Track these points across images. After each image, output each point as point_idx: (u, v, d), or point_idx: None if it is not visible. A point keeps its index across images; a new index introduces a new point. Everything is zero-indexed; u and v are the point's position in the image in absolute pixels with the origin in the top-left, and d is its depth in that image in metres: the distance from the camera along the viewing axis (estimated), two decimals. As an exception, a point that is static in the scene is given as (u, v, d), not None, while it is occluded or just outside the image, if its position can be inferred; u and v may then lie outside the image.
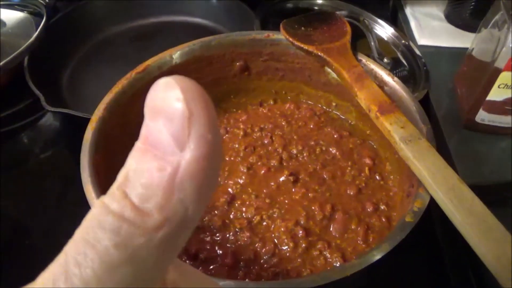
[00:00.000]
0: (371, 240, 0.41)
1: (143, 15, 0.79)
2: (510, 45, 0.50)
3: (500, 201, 0.51)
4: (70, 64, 0.72)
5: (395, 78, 0.46)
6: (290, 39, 0.49)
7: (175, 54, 0.49)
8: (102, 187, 0.38)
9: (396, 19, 0.82)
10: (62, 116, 0.66)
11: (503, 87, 0.53)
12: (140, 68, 0.47)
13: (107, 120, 0.42)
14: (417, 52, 0.69)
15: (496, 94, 0.54)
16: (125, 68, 0.47)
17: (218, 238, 0.42)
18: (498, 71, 0.52)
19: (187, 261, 0.40)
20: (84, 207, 0.56)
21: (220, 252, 0.41)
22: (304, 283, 0.29)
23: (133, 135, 0.48)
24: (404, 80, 0.66)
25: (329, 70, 0.50)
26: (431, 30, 0.75)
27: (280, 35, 0.51)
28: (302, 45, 0.48)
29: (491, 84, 0.54)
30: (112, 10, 0.77)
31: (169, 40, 0.75)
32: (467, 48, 0.63)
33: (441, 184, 0.33)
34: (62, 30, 0.71)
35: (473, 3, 0.73)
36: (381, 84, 0.45)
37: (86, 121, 0.42)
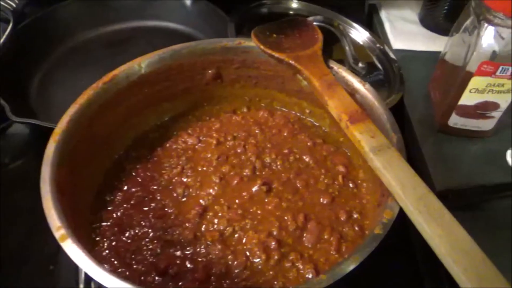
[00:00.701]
0: (344, 249, 0.41)
1: (116, 20, 0.77)
2: (481, 50, 0.50)
3: (473, 205, 0.52)
4: (39, 71, 0.70)
5: (367, 86, 0.45)
6: (261, 46, 0.49)
7: (144, 63, 0.48)
8: (67, 205, 0.36)
9: (372, 23, 0.82)
10: (30, 126, 0.64)
11: (475, 92, 0.54)
12: (107, 78, 0.45)
13: (71, 134, 0.41)
14: (392, 56, 0.69)
15: (468, 98, 0.55)
16: (97, 75, 0.46)
17: (188, 252, 0.41)
18: (469, 76, 0.53)
19: (156, 278, 0.39)
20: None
21: (191, 266, 0.40)
22: (270, 301, 0.29)
23: (100, 148, 0.47)
24: (379, 84, 0.66)
25: (301, 77, 0.50)
26: (405, 33, 0.76)
27: (252, 43, 0.50)
28: (273, 53, 0.48)
29: (463, 88, 0.54)
30: (83, 15, 0.75)
31: (143, 45, 0.74)
32: (440, 52, 0.64)
33: (410, 194, 0.33)
34: (30, 36, 0.69)
35: (446, 7, 0.74)
36: (353, 91, 0.45)
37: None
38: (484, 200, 0.52)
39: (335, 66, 0.47)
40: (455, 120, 0.58)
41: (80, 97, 0.43)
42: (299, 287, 0.29)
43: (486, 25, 0.50)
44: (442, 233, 0.31)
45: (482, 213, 0.51)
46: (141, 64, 0.48)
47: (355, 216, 0.44)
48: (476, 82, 0.53)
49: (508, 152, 0.55)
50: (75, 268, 0.49)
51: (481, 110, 0.56)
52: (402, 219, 0.55)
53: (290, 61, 0.47)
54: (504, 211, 0.50)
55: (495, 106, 0.55)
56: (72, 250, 0.32)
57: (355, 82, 0.46)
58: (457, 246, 0.30)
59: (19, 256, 0.51)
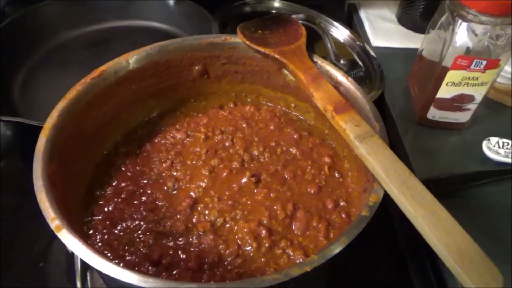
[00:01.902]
0: (332, 236, 0.42)
1: (98, 20, 0.77)
2: (456, 45, 0.53)
3: (453, 193, 0.54)
4: (22, 71, 0.69)
5: (350, 79, 0.47)
6: (247, 42, 0.50)
7: (132, 59, 0.49)
8: (60, 199, 0.37)
9: (351, 22, 0.85)
10: (14, 126, 0.63)
11: (451, 85, 0.56)
12: (95, 73, 0.46)
13: (61, 128, 0.41)
14: (372, 53, 0.72)
15: (445, 91, 0.57)
16: (80, 75, 0.46)
17: (181, 243, 0.41)
18: (445, 70, 0.55)
19: (150, 268, 0.39)
20: (40, 221, 0.55)
21: (184, 256, 0.40)
22: (265, 281, 0.30)
23: (90, 144, 0.47)
24: (360, 80, 0.68)
25: (286, 72, 0.51)
26: (384, 32, 0.78)
27: (238, 39, 0.51)
28: (259, 48, 0.49)
29: (440, 82, 0.56)
30: (66, 14, 0.75)
31: (126, 45, 0.74)
32: (418, 49, 0.66)
33: (393, 178, 0.35)
34: (12, 36, 0.68)
35: (422, 6, 0.77)
36: (336, 84, 0.47)
37: (39, 129, 0.41)
38: (463, 188, 0.54)
39: (319, 61, 0.49)
40: (433, 113, 0.60)
41: (69, 92, 0.43)
42: (292, 268, 0.30)
43: (460, 21, 0.52)
44: (425, 213, 0.33)
45: (461, 200, 0.53)
46: (129, 60, 0.48)
47: (341, 204, 0.46)
48: (452, 75, 0.55)
49: (484, 143, 0.58)
50: (66, 264, 0.50)
51: (458, 102, 0.58)
52: (386, 209, 0.57)
53: (276, 56, 0.48)
54: (481, 198, 0.53)
55: (470, 98, 0.57)
56: (69, 239, 0.32)
57: (339, 76, 0.48)
58: (439, 225, 0.32)
59: (7, 255, 0.51)
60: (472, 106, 0.58)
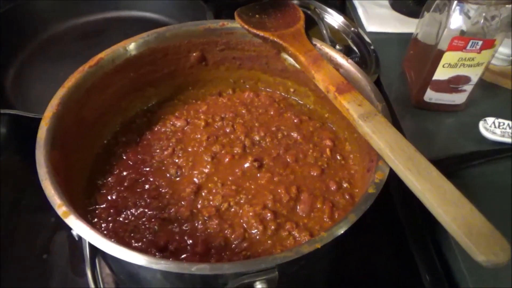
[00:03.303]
0: (336, 216, 0.43)
1: (91, 11, 0.76)
2: (451, 27, 0.53)
3: (451, 173, 0.54)
4: (14, 64, 0.68)
5: (349, 60, 0.47)
6: (246, 26, 0.49)
7: (130, 46, 0.48)
8: (63, 188, 0.36)
9: (345, 8, 0.85)
10: (9, 119, 0.62)
11: (447, 67, 0.57)
12: (92, 61, 0.45)
13: (61, 117, 0.41)
14: (367, 39, 0.72)
15: (441, 73, 0.58)
16: (74, 67, 0.45)
17: (187, 228, 0.41)
18: (441, 52, 0.55)
19: (156, 254, 0.39)
20: (39, 214, 0.54)
21: (190, 241, 0.40)
22: (277, 259, 0.30)
23: (90, 132, 0.47)
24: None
25: (285, 56, 0.51)
26: (378, 17, 0.79)
27: (235, 24, 0.51)
28: (258, 32, 0.49)
29: (436, 64, 0.57)
30: (58, 6, 0.74)
31: (119, 36, 0.73)
32: (412, 33, 0.66)
33: (399, 155, 0.35)
34: (3, 29, 0.67)
35: (415, -9, 0.77)
36: (336, 66, 0.47)
37: (36, 122, 0.40)
38: (461, 169, 0.55)
39: (318, 43, 0.49)
40: (430, 95, 0.61)
41: (67, 81, 0.43)
42: (303, 245, 0.30)
43: (455, 2, 0.53)
44: (431, 187, 0.33)
45: (458, 180, 0.53)
46: (127, 47, 0.48)
47: (344, 185, 0.46)
48: (448, 57, 0.56)
49: (480, 123, 0.58)
50: (69, 255, 0.49)
51: (454, 84, 0.59)
52: (388, 198, 0.58)
53: (276, 39, 0.48)
54: (479, 177, 0.54)
55: (466, 79, 0.58)
56: (77, 224, 0.32)
57: (338, 58, 0.48)
58: (446, 198, 0.32)
59: (9, 248, 0.51)
60: (468, 88, 0.59)
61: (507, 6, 0.52)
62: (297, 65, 0.49)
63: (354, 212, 0.33)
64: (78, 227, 0.31)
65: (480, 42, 0.53)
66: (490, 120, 0.59)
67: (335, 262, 0.48)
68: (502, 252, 0.29)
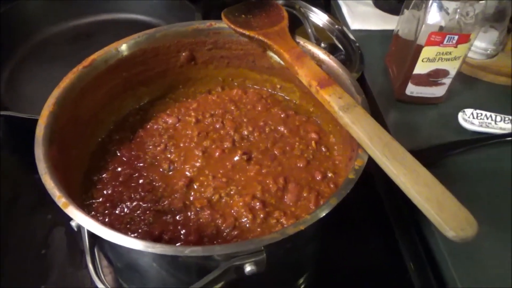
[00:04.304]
0: (321, 204, 0.45)
1: (83, 14, 0.78)
2: (429, 22, 0.56)
3: (433, 163, 0.57)
4: (7, 66, 0.70)
5: (331, 56, 0.50)
6: (232, 26, 0.52)
7: (121, 47, 0.50)
8: (61, 182, 0.38)
9: (329, 7, 0.87)
10: (4, 121, 0.64)
11: (426, 61, 0.59)
12: (86, 62, 0.47)
13: (57, 115, 0.42)
14: (351, 36, 0.74)
15: (421, 67, 0.60)
16: (65, 69, 0.47)
17: (180, 219, 0.43)
18: (420, 47, 0.58)
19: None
20: (36, 211, 0.56)
21: (184, 231, 0.42)
22: (264, 241, 0.32)
23: (85, 130, 0.49)
24: (341, 63, 0.71)
25: (271, 54, 0.53)
26: (361, 15, 0.81)
27: (222, 24, 0.53)
28: (244, 31, 0.51)
29: (416, 59, 0.60)
30: (49, 9, 0.75)
31: (111, 38, 0.75)
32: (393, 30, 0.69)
33: (376, 143, 0.38)
34: (-4, 32, 0.69)
35: (396, -11, 0.80)
36: (319, 62, 0.49)
37: (30, 122, 0.42)
38: (442, 158, 0.57)
39: (301, 41, 0.51)
40: (411, 89, 0.64)
41: (62, 81, 0.45)
42: (288, 228, 0.33)
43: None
44: (406, 171, 0.36)
45: (441, 169, 0.55)
46: (118, 48, 0.50)
47: (329, 175, 0.48)
48: (427, 51, 0.58)
49: (460, 114, 0.61)
50: (67, 249, 0.51)
51: (433, 77, 0.62)
52: (370, 182, 0.60)
53: (261, 38, 0.50)
54: (459, 165, 0.56)
55: (445, 73, 0.61)
56: (76, 214, 0.34)
57: (321, 54, 0.50)
58: (419, 181, 0.35)
59: (8, 245, 0.52)
60: (447, 81, 0.62)
61: (480, 2, 0.55)
62: (282, 62, 0.51)
63: (336, 196, 0.35)
64: (78, 216, 0.33)
65: (456, 37, 0.56)
66: (468, 111, 0.61)
67: (323, 249, 0.50)
68: (469, 227, 0.32)
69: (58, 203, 0.34)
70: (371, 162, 0.39)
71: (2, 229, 0.54)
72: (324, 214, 0.34)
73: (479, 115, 0.61)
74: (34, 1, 0.74)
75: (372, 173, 0.60)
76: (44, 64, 0.72)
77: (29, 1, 0.73)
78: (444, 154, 0.58)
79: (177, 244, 0.41)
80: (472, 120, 0.61)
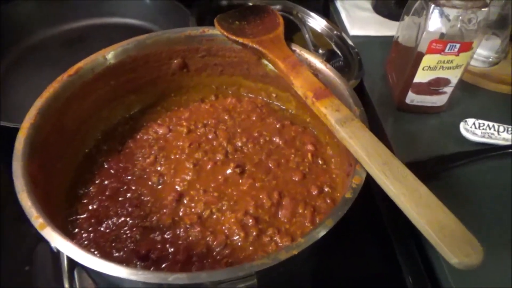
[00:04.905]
0: (318, 221, 0.43)
1: (73, 18, 0.76)
2: (430, 29, 0.54)
3: (433, 174, 0.55)
4: (-4, 71, 0.68)
5: (328, 66, 0.48)
6: (225, 33, 0.50)
7: (109, 55, 0.48)
8: (42, 198, 0.36)
9: (328, 12, 0.85)
10: (-9, 129, 0.62)
11: (427, 69, 0.57)
12: (71, 70, 0.45)
13: (40, 127, 0.40)
14: (350, 42, 0.73)
15: (421, 76, 0.59)
16: (56, 74, 0.45)
17: (168, 236, 0.41)
18: (421, 55, 0.56)
19: (138, 263, 0.39)
20: (22, 225, 0.54)
21: (172, 249, 0.40)
22: (255, 267, 0.30)
23: (71, 141, 0.46)
24: (339, 69, 0.68)
25: (266, 62, 0.51)
26: (360, 20, 0.79)
27: (216, 30, 0.51)
28: (237, 39, 0.49)
29: (416, 67, 0.58)
30: (40, 13, 0.73)
31: (102, 43, 0.73)
32: (393, 36, 0.67)
33: (375, 159, 0.36)
34: (-17, 37, 0.67)
35: (396, -6, 0.78)
36: (316, 72, 0.47)
37: (17, 132, 0.40)
38: (443, 170, 0.56)
39: (297, 49, 0.49)
40: (411, 98, 0.62)
41: (46, 90, 0.43)
42: (280, 252, 0.31)
43: (433, 6, 0.54)
44: (406, 191, 0.33)
45: (441, 181, 0.55)
46: (106, 55, 0.48)
47: (326, 190, 0.46)
48: (427, 60, 0.56)
49: (461, 124, 0.59)
50: (52, 266, 0.49)
51: (434, 86, 0.60)
52: (371, 195, 0.58)
53: (254, 45, 0.48)
54: (461, 177, 0.54)
55: (446, 81, 0.59)
56: (53, 237, 0.32)
57: (318, 63, 0.48)
58: (421, 202, 0.33)
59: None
60: (448, 89, 0.60)
61: (483, 9, 0.53)
62: (276, 70, 0.49)
63: (331, 217, 0.33)
64: (54, 239, 0.31)
65: (458, 45, 0.54)
66: (470, 121, 0.60)
67: (319, 265, 0.48)
68: (475, 254, 0.30)
69: (35, 224, 0.32)
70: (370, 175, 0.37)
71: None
72: (319, 237, 0.32)
73: (482, 125, 0.59)
74: (25, 4, 0.72)
75: (370, 183, 0.58)
76: (35, 69, 0.70)
77: (20, 4, 0.71)
78: (445, 165, 0.56)
79: (164, 264, 0.39)
80: (474, 130, 0.59)
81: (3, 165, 0.61)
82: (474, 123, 0.59)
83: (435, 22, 0.54)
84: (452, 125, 0.60)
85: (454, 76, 0.58)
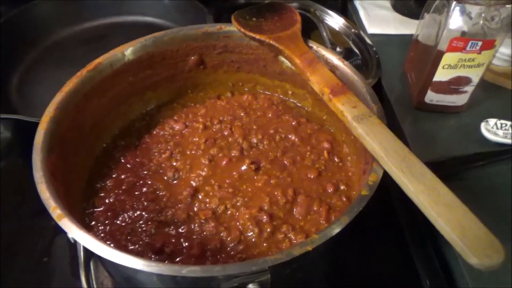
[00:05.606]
0: (333, 219, 0.42)
1: (93, 17, 0.77)
2: (451, 27, 0.53)
3: (453, 175, 0.54)
4: (19, 69, 0.69)
5: (346, 62, 0.47)
6: (242, 29, 0.50)
7: (127, 51, 0.49)
8: (60, 191, 0.37)
9: (346, 10, 0.85)
10: (13, 124, 0.63)
11: (447, 68, 0.56)
12: (90, 66, 0.46)
13: (59, 121, 0.41)
14: (368, 40, 0.72)
15: (441, 74, 0.57)
16: (76, 72, 0.46)
17: (183, 231, 0.42)
18: (441, 53, 0.55)
19: (152, 256, 0.39)
20: (41, 218, 0.55)
21: (186, 244, 0.40)
22: (268, 262, 0.30)
23: (89, 136, 0.47)
24: (357, 68, 0.68)
25: (283, 59, 0.51)
26: (379, 19, 0.78)
27: (233, 27, 0.51)
28: (254, 35, 0.49)
29: (436, 65, 0.57)
30: (60, 12, 0.75)
31: (122, 41, 0.74)
32: (413, 35, 0.66)
33: (392, 157, 0.35)
34: (7, 34, 0.68)
35: (416, -8, 0.77)
36: (332, 68, 0.47)
37: (37, 126, 0.41)
38: (463, 170, 0.54)
39: (314, 46, 0.49)
40: (431, 97, 0.60)
41: (65, 85, 0.43)
42: (294, 248, 0.30)
43: (454, 3, 0.52)
44: (424, 189, 0.33)
45: (461, 182, 0.53)
46: (124, 52, 0.48)
47: (342, 188, 0.46)
48: (448, 58, 0.55)
49: (482, 124, 0.58)
50: (69, 258, 0.50)
51: (455, 85, 0.58)
52: (387, 194, 0.57)
53: (271, 42, 0.48)
54: (481, 179, 0.53)
55: (467, 80, 0.58)
56: (70, 227, 0.32)
57: (335, 60, 0.48)
58: (440, 201, 0.32)
59: (10, 252, 0.51)
60: (469, 89, 0.58)
61: (507, 6, 0.51)
62: (293, 66, 0.49)
63: (347, 214, 0.33)
64: (71, 229, 0.32)
65: (480, 43, 0.53)
66: (492, 121, 0.58)
67: (333, 264, 0.48)
68: (496, 254, 0.29)
69: (53, 215, 0.32)
70: (386, 172, 0.37)
71: (5, 235, 0.53)
72: (334, 234, 0.32)
73: (504, 125, 0.58)
74: (45, 3, 0.73)
75: (387, 182, 0.57)
76: (55, 67, 0.71)
77: (41, 3, 0.73)
78: (465, 166, 0.55)
79: (178, 258, 0.39)
80: (496, 130, 0.57)
81: (24, 159, 0.63)
82: (495, 123, 0.58)
83: (456, 20, 0.53)
84: (473, 125, 0.59)
85: (475, 75, 0.57)
